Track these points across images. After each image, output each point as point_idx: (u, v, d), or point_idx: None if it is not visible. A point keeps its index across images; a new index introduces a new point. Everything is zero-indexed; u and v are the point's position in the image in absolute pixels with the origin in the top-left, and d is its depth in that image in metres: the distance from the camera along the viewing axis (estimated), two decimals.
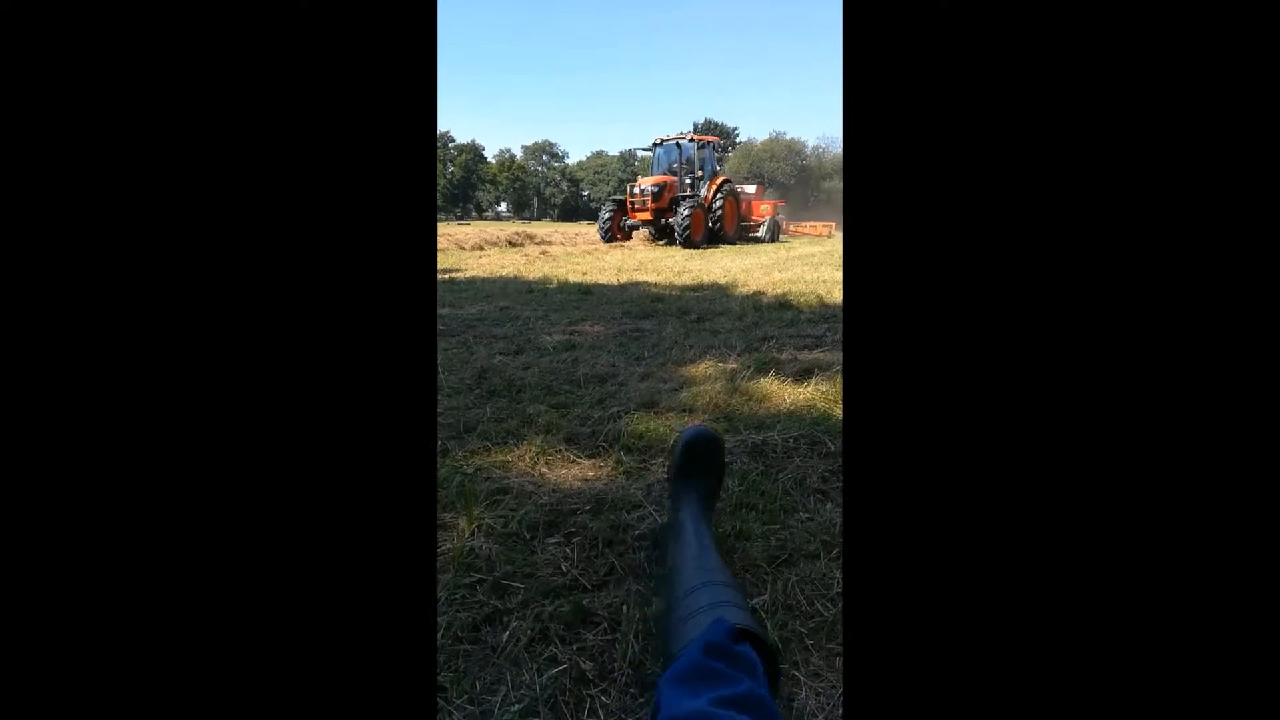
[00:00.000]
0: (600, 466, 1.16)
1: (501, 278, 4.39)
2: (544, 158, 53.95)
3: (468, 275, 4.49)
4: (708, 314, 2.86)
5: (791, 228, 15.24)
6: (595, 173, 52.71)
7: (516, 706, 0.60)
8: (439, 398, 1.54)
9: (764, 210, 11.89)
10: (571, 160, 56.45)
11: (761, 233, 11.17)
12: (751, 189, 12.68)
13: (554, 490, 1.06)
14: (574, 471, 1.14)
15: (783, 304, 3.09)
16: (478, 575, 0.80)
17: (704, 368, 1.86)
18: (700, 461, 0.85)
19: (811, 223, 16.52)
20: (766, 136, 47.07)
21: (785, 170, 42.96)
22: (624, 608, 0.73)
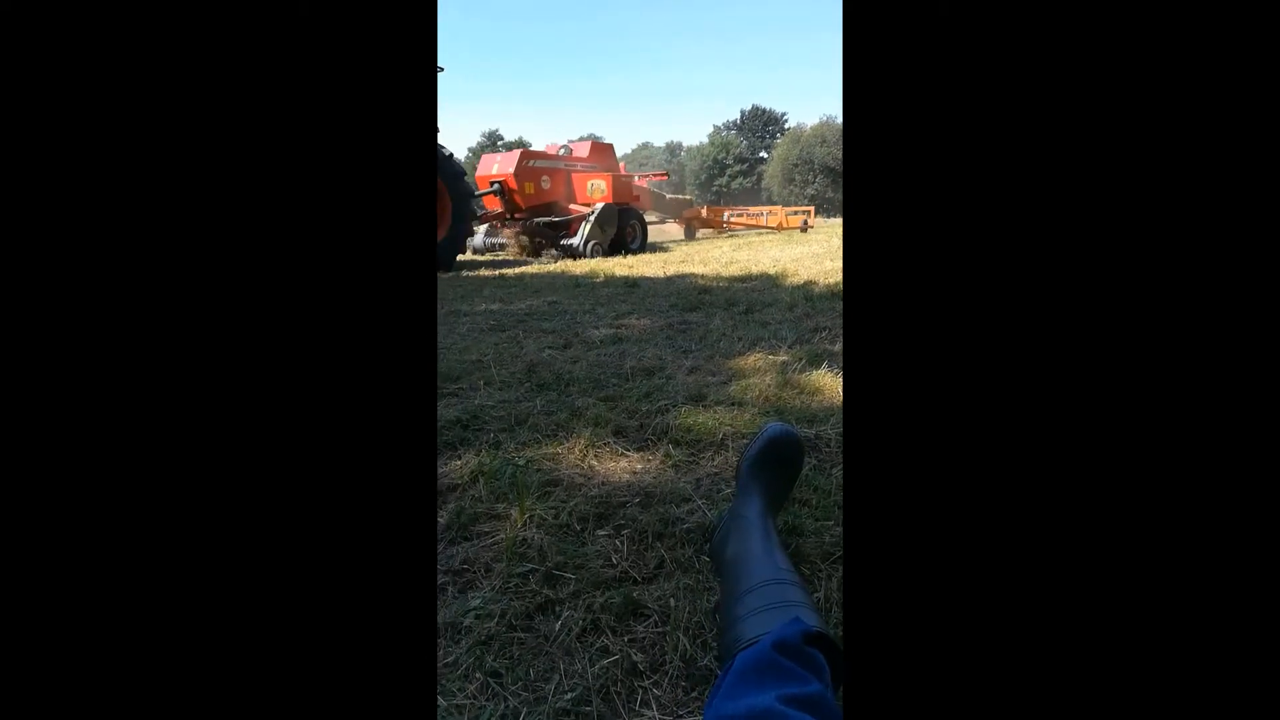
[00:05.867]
0: (649, 460, 1.16)
1: (549, 272, 4.45)
2: None
3: (517, 271, 4.57)
4: (757, 305, 2.81)
5: (731, 219, 11.13)
6: (640, 164, 52.61)
7: (569, 695, 0.61)
8: (490, 390, 1.58)
9: (597, 193, 6.91)
10: (618, 152, 56.64)
11: (579, 242, 6.20)
12: (579, 149, 7.59)
13: (603, 483, 1.07)
14: (623, 464, 1.15)
15: (835, 294, 3.01)
16: (530, 565, 0.82)
17: (753, 360, 1.83)
18: (778, 460, 0.84)
19: (772, 208, 12.09)
20: (817, 121, 45.73)
21: (836, 154, 41.60)
22: (673, 601, 0.73)
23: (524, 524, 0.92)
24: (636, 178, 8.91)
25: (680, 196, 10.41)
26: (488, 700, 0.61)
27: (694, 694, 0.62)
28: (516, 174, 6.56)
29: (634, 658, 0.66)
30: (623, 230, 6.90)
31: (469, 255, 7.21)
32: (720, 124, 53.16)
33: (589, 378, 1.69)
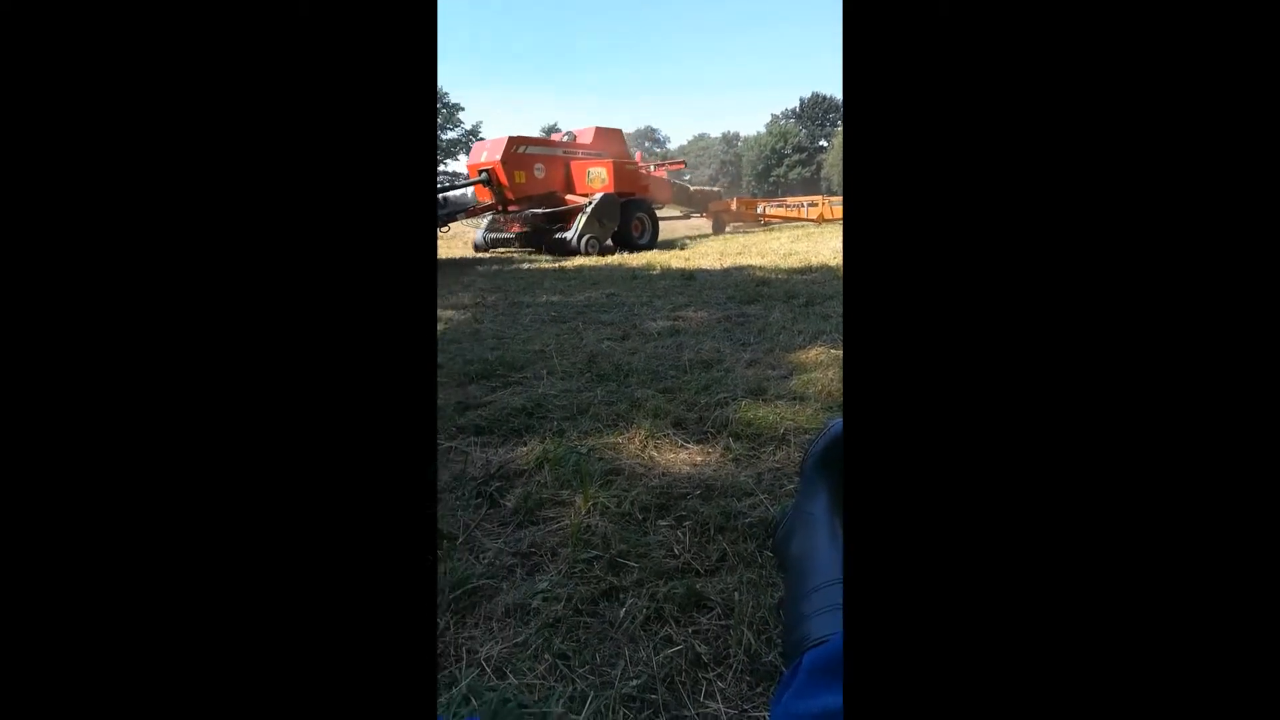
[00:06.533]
0: (709, 452, 1.16)
1: (607, 265, 4.48)
2: (645, 144, 54.19)
3: (575, 264, 4.63)
4: (817, 298, 2.74)
5: (767, 211, 9.45)
6: (696, 156, 52.11)
7: (635, 682, 0.62)
8: (553, 380, 1.61)
9: (597, 181, 6.15)
10: (673, 144, 56.19)
11: (572, 236, 5.53)
12: (582, 135, 6.78)
13: (664, 474, 1.07)
14: (682, 456, 1.15)
15: None
16: (595, 551, 0.83)
17: (815, 354, 1.79)
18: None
19: (814, 198, 9.61)
20: None
21: None
22: (737, 595, 0.73)
23: (588, 511, 0.93)
24: (653, 167, 8.08)
25: (707, 188, 9.07)
26: (556, 681, 0.62)
27: (759, 689, 0.62)
28: (504, 161, 5.80)
29: (698, 649, 0.66)
30: (627, 224, 6.10)
31: (468, 254, 6.43)
32: (778, 112, 51.83)
33: (647, 369, 1.70)
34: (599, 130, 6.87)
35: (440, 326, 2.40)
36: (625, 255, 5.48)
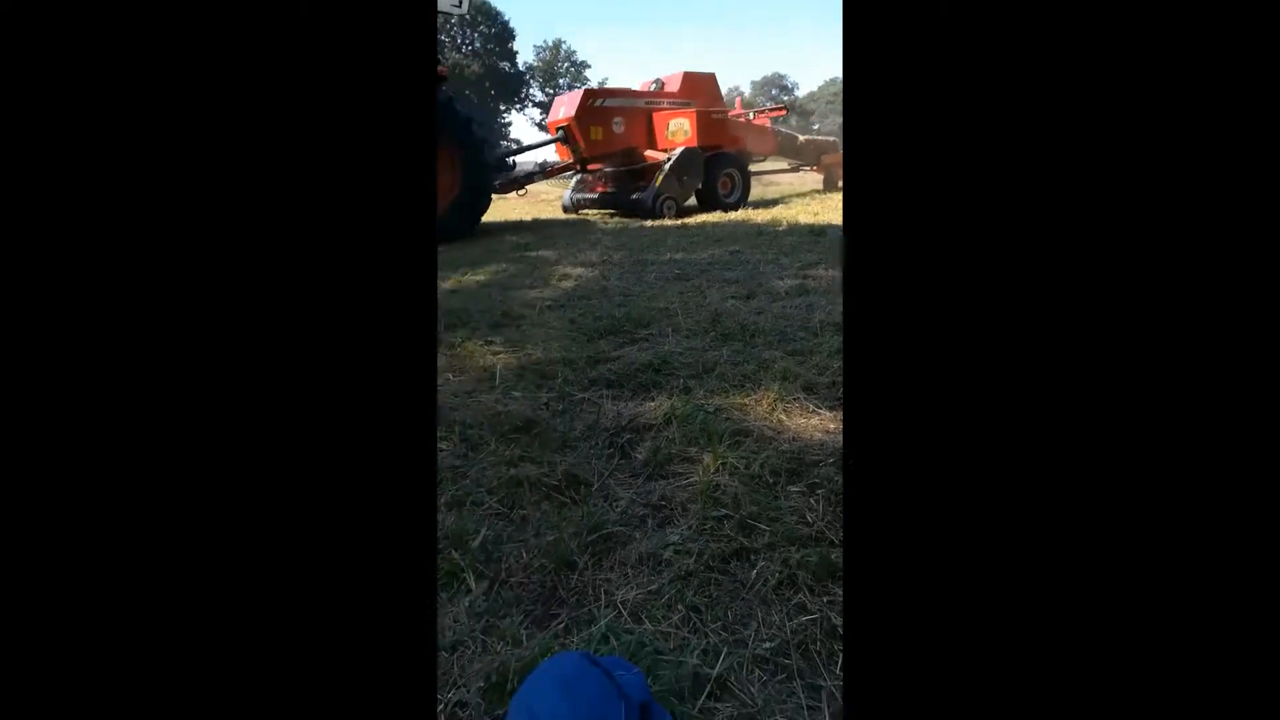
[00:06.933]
0: (842, 420, 1.10)
1: (730, 221, 4.36)
2: (773, 91, 51.21)
3: (698, 220, 4.55)
4: None
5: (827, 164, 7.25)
6: (827, 103, 48.37)
7: (768, 644, 0.62)
8: (678, 338, 1.61)
9: (679, 134, 5.47)
10: (802, 92, 52.54)
11: (648, 197, 5.02)
12: (670, 83, 6.02)
13: (794, 439, 1.04)
14: (814, 422, 1.10)
15: None
16: (724, 510, 0.83)
17: None
18: None
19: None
20: None
21: None
22: None
23: (716, 470, 0.93)
24: (751, 114, 7.06)
25: (821, 138, 7.55)
26: (690, 634, 0.64)
27: None
28: (578, 117, 5.29)
29: (833, 620, 0.64)
30: (713, 181, 5.38)
31: (558, 215, 6.05)
32: None
33: (774, 330, 1.64)
34: (687, 76, 6.03)
35: (569, 284, 2.49)
36: (750, 211, 5.24)
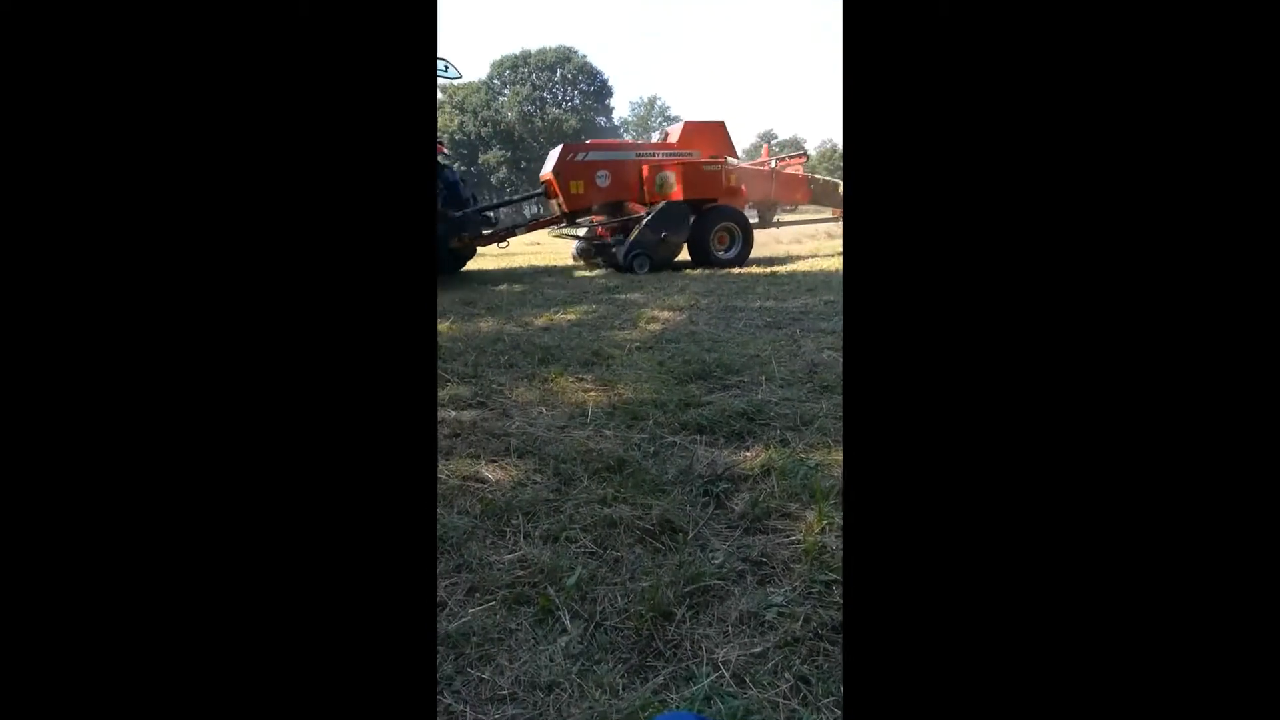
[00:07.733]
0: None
1: (824, 271, 4.28)
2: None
3: (788, 269, 4.51)
4: None
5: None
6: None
7: None
8: (772, 387, 1.57)
9: (666, 187, 5.32)
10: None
11: (621, 252, 4.93)
12: (673, 133, 5.90)
13: None
14: None
15: None
16: (832, 575, 0.77)
17: None
18: None
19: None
20: None
21: None
22: None
23: (821, 530, 0.88)
24: (773, 163, 6.69)
25: None
26: (800, 705, 0.59)
27: None
28: (556, 171, 5.27)
29: None
30: (704, 235, 5.07)
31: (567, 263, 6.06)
32: None
33: None
34: (688, 126, 5.83)
35: (657, 326, 2.52)
36: (838, 261, 5.12)
